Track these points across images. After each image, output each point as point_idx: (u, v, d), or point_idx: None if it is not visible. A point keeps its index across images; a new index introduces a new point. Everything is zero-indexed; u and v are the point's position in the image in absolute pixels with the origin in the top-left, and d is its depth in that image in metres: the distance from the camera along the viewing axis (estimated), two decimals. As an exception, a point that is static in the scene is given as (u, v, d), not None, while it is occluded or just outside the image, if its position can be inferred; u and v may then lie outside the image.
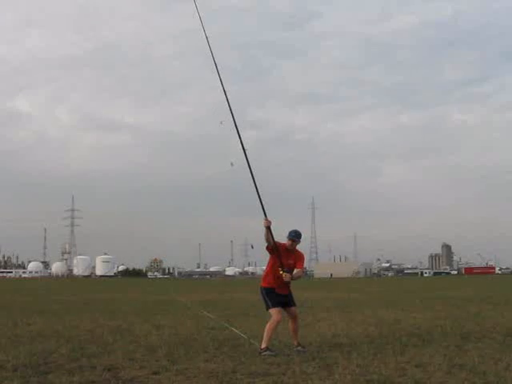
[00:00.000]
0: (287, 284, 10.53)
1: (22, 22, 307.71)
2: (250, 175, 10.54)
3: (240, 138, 10.77)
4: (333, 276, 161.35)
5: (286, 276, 10.33)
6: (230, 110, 10.94)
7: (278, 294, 10.47)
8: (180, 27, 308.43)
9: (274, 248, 10.42)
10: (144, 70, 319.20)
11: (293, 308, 10.66)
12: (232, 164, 10.84)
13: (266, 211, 10.34)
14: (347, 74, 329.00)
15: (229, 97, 10.93)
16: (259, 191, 10.49)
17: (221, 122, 10.83)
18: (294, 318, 10.68)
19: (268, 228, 10.27)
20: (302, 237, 10.86)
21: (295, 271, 10.55)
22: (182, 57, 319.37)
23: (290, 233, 10.68)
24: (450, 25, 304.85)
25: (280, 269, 10.35)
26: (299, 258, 10.72)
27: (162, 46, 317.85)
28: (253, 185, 10.49)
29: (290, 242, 10.61)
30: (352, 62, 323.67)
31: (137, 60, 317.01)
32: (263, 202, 10.41)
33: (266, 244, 10.40)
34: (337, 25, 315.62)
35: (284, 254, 10.46)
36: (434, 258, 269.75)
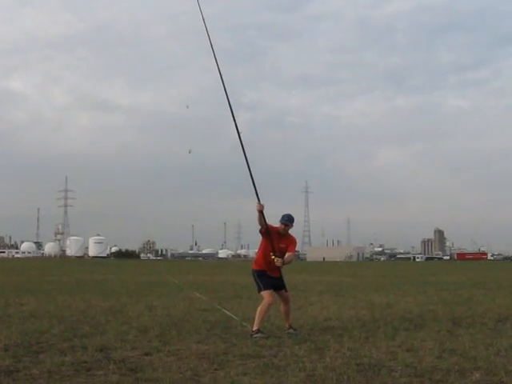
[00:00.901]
0: (279, 267, 10.54)
1: (16, 1, 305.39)
2: (244, 159, 10.49)
3: (235, 121, 10.71)
4: (325, 260, 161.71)
5: (277, 261, 10.32)
6: (226, 94, 10.87)
7: (269, 277, 10.49)
8: (175, 8, 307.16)
9: (266, 232, 10.42)
10: (139, 51, 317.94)
11: (284, 291, 10.67)
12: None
13: (259, 195, 10.32)
14: (343, 57, 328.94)
15: (223, 78, 10.87)
16: (253, 175, 10.47)
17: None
18: (286, 300, 10.70)
19: (261, 212, 10.27)
20: (295, 221, 10.86)
21: (287, 255, 10.54)
22: (178, 38, 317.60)
23: (283, 217, 10.66)
24: (445, 9, 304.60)
25: (272, 253, 10.35)
26: (291, 242, 10.71)
27: (157, 27, 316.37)
28: (247, 168, 10.45)
29: (282, 226, 10.60)
30: (348, 45, 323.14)
31: (131, 40, 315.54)
32: (256, 186, 10.39)
33: (259, 227, 10.40)
34: (333, 7, 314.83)
35: (276, 237, 10.45)
36: (426, 242, 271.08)
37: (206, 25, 11.17)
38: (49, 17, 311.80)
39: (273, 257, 10.32)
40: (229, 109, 10.75)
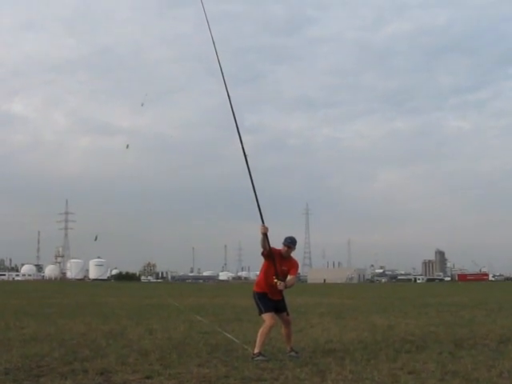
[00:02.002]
0: (280, 290, 10.53)
1: (19, 25, 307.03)
2: (250, 180, 10.46)
3: (241, 142, 10.73)
4: (326, 282, 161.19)
5: (280, 284, 10.31)
6: (233, 114, 10.92)
7: (270, 299, 10.47)
8: (176, 32, 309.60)
9: (269, 254, 10.41)
10: (140, 74, 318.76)
11: (285, 314, 10.65)
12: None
13: (259, 217, 10.31)
14: (343, 80, 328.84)
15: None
16: (258, 198, 10.45)
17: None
18: (287, 323, 10.67)
19: (265, 235, 10.27)
20: (297, 244, 10.86)
21: (288, 278, 10.53)
22: (178, 61, 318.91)
23: (286, 239, 10.67)
24: (445, 31, 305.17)
25: (274, 277, 10.34)
26: (293, 265, 10.70)
27: (157, 50, 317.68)
28: (251, 188, 10.39)
29: (285, 249, 10.60)
30: (347, 68, 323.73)
31: (132, 64, 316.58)
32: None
33: (262, 250, 10.39)
34: (333, 30, 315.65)
35: (278, 260, 10.45)
36: (427, 264, 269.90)
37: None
38: (50, 41, 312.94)
39: (275, 280, 10.30)
40: (236, 130, 10.79)
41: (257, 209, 10.38)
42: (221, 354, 10.83)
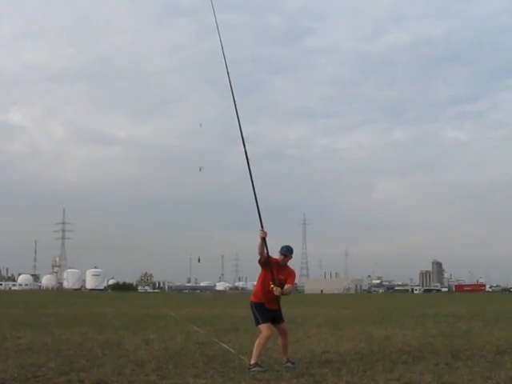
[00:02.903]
0: (277, 299, 10.53)
1: (17, 34, 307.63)
2: (251, 185, 10.51)
3: (245, 147, 10.83)
4: (323, 292, 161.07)
5: (276, 290, 10.31)
6: (239, 122, 11.02)
7: (267, 309, 10.47)
8: (175, 42, 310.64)
9: (266, 261, 10.41)
10: (138, 84, 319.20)
11: (282, 324, 10.65)
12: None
13: (257, 226, 10.31)
14: (340, 90, 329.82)
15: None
16: (258, 202, 10.46)
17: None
18: (283, 334, 10.66)
19: (263, 239, 10.27)
20: (294, 253, 10.87)
21: (286, 287, 10.53)
22: (177, 71, 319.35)
23: (282, 248, 10.68)
24: (442, 42, 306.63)
25: (271, 283, 10.34)
26: (290, 274, 10.71)
27: (156, 60, 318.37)
28: (251, 195, 10.43)
29: (282, 258, 10.61)
30: (345, 78, 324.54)
31: (131, 74, 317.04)
32: (261, 213, 10.39)
33: (259, 257, 10.39)
34: (330, 41, 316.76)
35: (276, 268, 10.44)
36: (424, 274, 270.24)
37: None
38: (49, 50, 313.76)
39: (272, 286, 10.30)
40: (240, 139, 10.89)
41: (257, 214, 10.39)
42: (217, 364, 10.82)
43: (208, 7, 11.79)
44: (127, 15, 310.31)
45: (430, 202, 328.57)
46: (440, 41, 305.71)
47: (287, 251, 10.66)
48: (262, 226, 10.30)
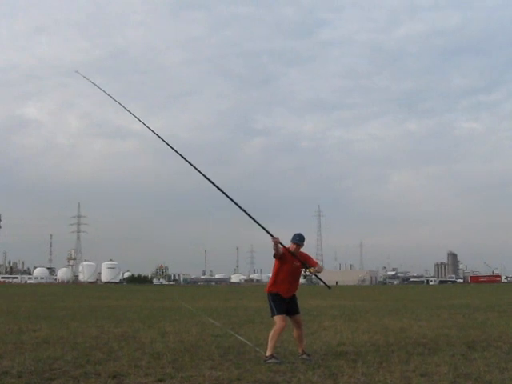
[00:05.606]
0: (293, 289, 10.59)
1: (32, 29, 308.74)
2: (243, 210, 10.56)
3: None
4: (338, 284, 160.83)
5: (312, 269, 10.42)
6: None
7: (283, 300, 10.48)
8: (189, 34, 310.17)
9: (281, 257, 10.46)
10: (152, 77, 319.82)
11: (297, 315, 10.66)
12: None
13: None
14: (355, 82, 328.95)
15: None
16: (256, 219, 10.42)
17: None
18: (298, 325, 10.67)
19: (277, 244, 10.28)
20: (308, 244, 10.88)
21: (317, 267, 10.61)
22: (191, 64, 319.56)
23: (294, 237, 10.68)
24: (457, 32, 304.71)
25: (303, 270, 10.50)
26: (306, 258, 10.77)
27: (171, 53, 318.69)
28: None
29: (294, 246, 10.62)
30: (360, 70, 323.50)
31: (145, 67, 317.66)
32: (264, 225, 10.35)
33: (274, 252, 10.41)
34: (345, 32, 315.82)
35: (289, 257, 10.49)
36: (439, 266, 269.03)
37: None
38: (64, 44, 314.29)
39: (308, 270, 10.43)
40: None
41: (261, 228, 10.36)
42: (233, 356, 10.83)
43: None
44: (141, 8, 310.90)
45: (444, 193, 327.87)
46: (454, 31, 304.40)
47: (299, 240, 10.67)
48: (271, 235, 10.28)
